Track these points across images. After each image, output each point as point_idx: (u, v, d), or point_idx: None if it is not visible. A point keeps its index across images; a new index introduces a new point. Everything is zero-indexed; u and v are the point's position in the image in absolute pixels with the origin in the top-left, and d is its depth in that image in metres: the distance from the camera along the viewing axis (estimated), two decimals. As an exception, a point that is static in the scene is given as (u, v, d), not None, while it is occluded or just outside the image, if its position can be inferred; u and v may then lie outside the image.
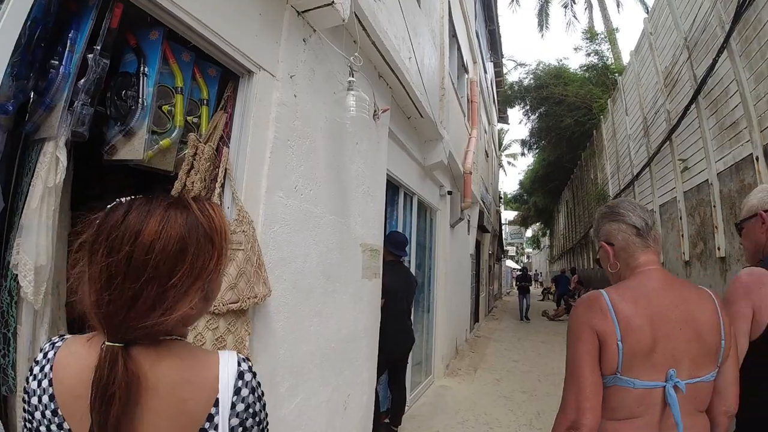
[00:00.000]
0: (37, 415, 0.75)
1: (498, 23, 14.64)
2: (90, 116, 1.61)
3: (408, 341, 4.07)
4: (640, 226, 1.39)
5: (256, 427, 0.81)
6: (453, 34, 7.04)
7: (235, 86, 2.08)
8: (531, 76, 15.21)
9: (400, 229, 4.54)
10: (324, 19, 2.40)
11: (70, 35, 1.55)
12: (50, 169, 1.47)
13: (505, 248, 30.09)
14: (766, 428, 1.41)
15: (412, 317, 4.44)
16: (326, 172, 2.59)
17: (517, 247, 44.88)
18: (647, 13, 7.55)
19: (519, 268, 34.32)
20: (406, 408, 4.36)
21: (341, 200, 2.80)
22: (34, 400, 0.75)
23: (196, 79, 2.04)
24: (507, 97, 16.56)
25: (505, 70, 18.02)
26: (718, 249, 4.76)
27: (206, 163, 1.82)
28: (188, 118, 1.99)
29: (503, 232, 26.99)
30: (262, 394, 0.85)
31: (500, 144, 26.29)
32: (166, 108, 1.90)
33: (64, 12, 1.53)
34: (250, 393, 0.80)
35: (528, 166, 27.24)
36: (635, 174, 8.33)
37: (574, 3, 18.74)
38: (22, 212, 1.45)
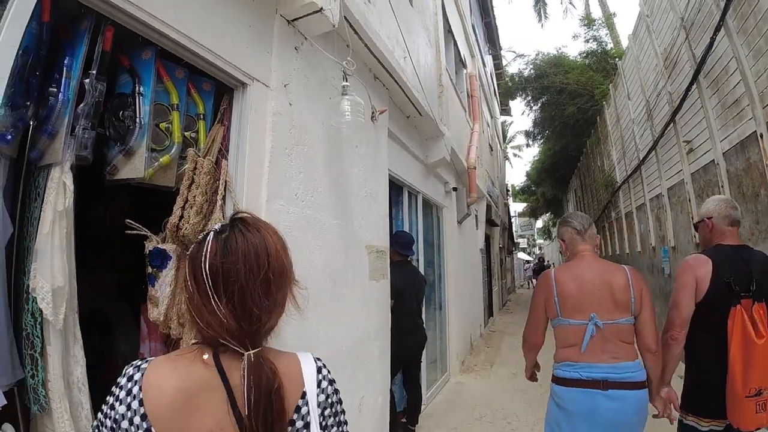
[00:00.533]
0: None
1: (494, 15, 14.58)
2: (92, 139, 1.65)
3: (420, 340, 4.08)
4: (579, 229, 2.26)
5: (333, 418, 0.92)
6: (448, 30, 7.03)
7: (230, 99, 2.11)
8: (531, 66, 15.10)
9: (406, 229, 4.55)
10: (314, 26, 2.41)
11: (65, 62, 1.59)
12: (58, 193, 1.52)
13: (516, 241, 29.95)
14: (701, 365, 2.10)
15: (423, 315, 4.44)
16: (327, 177, 2.61)
17: (528, 239, 44.61)
18: None
19: (533, 259, 34.12)
20: (423, 406, 4.36)
21: (343, 204, 2.82)
22: (125, 424, 0.78)
23: (191, 95, 2.06)
24: (508, 89, 16.47)
25: (504, 62, 17.98)
26: (729, 229, 4.72)
27: (206, 177, 1.85)
28: (186, 133, 2.02)
29: (513, 225, 26.88)
30: (335, 382, 0.96)
31: (505, 136, 26.17)
32: (163, 125, 1.93)
33: (56, 39, 1.56)
34: (328, 385, 0.93)
35: (534, 157, 27.10)
36: (641, 158, 8.25)
37: (570, -10, 18.66)
38: (35, 238, 1.49)
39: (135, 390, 0.79)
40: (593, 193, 14.60)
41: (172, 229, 1.77)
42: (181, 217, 1.78)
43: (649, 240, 8.12)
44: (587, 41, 14.47)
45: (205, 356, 0.83)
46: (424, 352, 4.33)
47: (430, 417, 4.54)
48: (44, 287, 1.45)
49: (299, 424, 0.86)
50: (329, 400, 0.92)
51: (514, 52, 31.54)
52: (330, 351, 2.54)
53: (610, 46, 14.14)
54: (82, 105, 1.60)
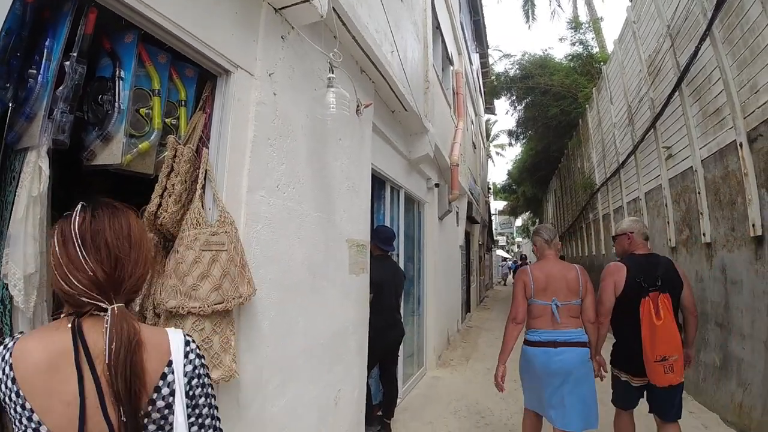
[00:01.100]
0: (7, 400, 0.85)
1: (483, 14, 14.66)
2: (70, 123, 1.60)
3: (398, 335, 4.10)
4: (547, 239, 3.10)
5: (201, 389, 0.99)
6: (437, 27, 7.04)
7: (213, 86, 2.07)
8: (517, 66, 15.21)
9: (387, 224, 4.56)
10: (302, 16, 2.39)
11: (46, 43, 1.54)
12: (33, 178, 1.48)
13: (495, 238, 30.28)
14: (627, 346, 2.90)
15: (402, 310, 4.47)
16: (309, 169, 2.60)
17: (507, 237, 45.14)
18: (630, 1, 7.57)
19: (511, 257, 34.51)
20: (399, 400, 4.40)
21: (325, 197, 2.81)
22: (6, 400, 0.85)
23: (173, 81, 2.02)
24: (494, 87, 16.58)
25: (491, 61, 18.07)
26: (704, 235, 4.83)
27: (186, 165, 1.82)
28: (167, 120, 1.98)
29: (493, 223, 27.15)
30: (203, 358, 1.03)
31: (488, 135, 26.36)
32: (143, 111, 1.89)
33: (39, 20, 1.51)
34: (196, 357, 1.00)
35: (516, 156, 27.38)
36: (621, 162, 8.40)
37: (558, -8, 18.83)
38: (9, 222, 1.45)
39: (7, 357, 0.86)
40: (572, 195, 14.84)
41: (149, 217, 1.74)
42: (159, 205, 1.75)
43: (624, 242, 8.30)
44: (573, 44, 14.66)
45: (68, 324, 0.89)
46: (401, 346, 4.36)
47: (405, 411, 4.58)
48: (16, 274, 1.41)
49: (165, 391, 0.92)
50: (197, 371, 0.99)
51: (501, 51, 31.76)
52: (308, 343, 2.54)
53: (595, 50, 14.34)
54: (61, 88, 1.55)
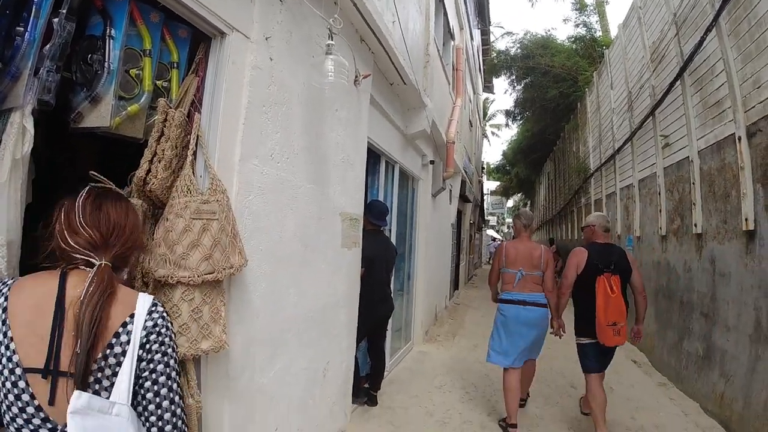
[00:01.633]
0: None
1: (486, -12, 14.31)
2: (56, 83, 1.52)
3: (388, 309, 4.12)
4: (525, 223, 3.89)
5: (158, 345, 1.08)
6: (439, -1, 6.85)
7: (207, 48, 1.98)
8: (518, 45, 14.93)
9: (381, 198, 4.52)
10: (302, -22, 2.29)
11: (35, 0, 1.45)
12: (18, 140, 1.40)
13: (486, 218, 30.41)
14: (582, 309, 3.51)
15: (392, 285, 4.48)
16: (304, 139, 2.53)
17: (498, 217, 45.37)
18: None
19: (502, 237, 34.73)
20: (386, 373, 4.46)
21: (320, 169, 2.75)
22: None
23: (165, 41, 1.93)
24: (493, 66, 16.33)
25: (492, 38, 17.75)
26: (695, 225, 4.86)
27: (177, 130, 1.75)
28: (158, 82, 1.89)
29: (485, 202, 27.22)
30: (171, 325, 1.15)
31: (485, 113, 26.12)
32: (133, 72, 1.81)
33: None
34: (159, 317, 1.10)
35: (512, 137, 27.24)
36: (617, 148, 8.37)
37: (565, -30, 18.36)
38: None
39: (5, 290, 1.01)
40: (566, 178, 14.86)
41: (138, 183, 1.68)
42: (149, 171, 1.69)
43: (615, 228, 8.36)
44: (577, 26, 14.41)
45: (58, 272, 1.05)
46: (390, 321, 4.39)
47: (392, 383, 4.64)
48: None
49: (123, 338, 1.03)
50: (157, 328, 1.08)
51: (503, 28, 31.22)
52: (298, 315, 2.53)
53: (599, 33, 14.11)
54: (48, 46, 1.47)
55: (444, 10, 7.31)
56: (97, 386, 0.99)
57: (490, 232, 35.87)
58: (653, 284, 6.18)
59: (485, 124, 25.32)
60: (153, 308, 1.10)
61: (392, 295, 4.37)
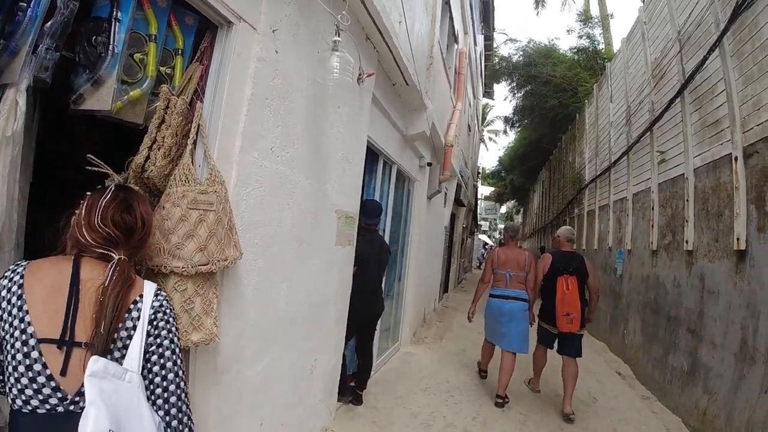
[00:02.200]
0: (5, 303, 1.05)
1: (492, -6, 14.33)
2: (54, 62, 1.50)
3: (378, 309, 4.11)
4: (512, 234, 4.96)
5: (164, 323, 1.20)
6: (446, 1, 6.84)
7: (213, 37, 1.97)
8: (521, 53, 14.95)
9: (377, 198, 4.51)
10: (312, -28, 2.27)
11: (40, -24, 1.43)
12: (9, 116, 1.38)
13: (479, 223, 30.50)
14: (548, 306, 4.45)
15: (383, 285, 4.47)
16: (305, 134, 2.52)
17: (490, 222, 45.48)
18: (642, 2, 7.45)
19: (494, 242, 34.82)
20: (372, 372, 4.44)
21: (319, 165, 2.74)
22: (4, 304, 1.05)
23: (171, 27, 1.91)
24: (495, 71, 16.34)
25: (495, 44, 17.77)
26: (686, 242, 4.89)
27: (178, 118, 1.73)
28: (161, 68, 1.87)
29: (478, 207, 27.29)
30: (172, 309, 1.27)
31: (484, 119, 26.21)
32: (138, 56, 1.79)
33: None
34: (164, 299, 1.23)
35: (509, 144, 27.29)
36: (613, 161, 8.42)
37: (572, -19, 18.40)
38: None
39: (20, 270, 1.09)
40: (560, 188, 14.92)
41: (136, 169, 1.66)
42: (147, 158, 1.67)
43: (606, 240, 8.41)
44: (580, 37, 14.43)
45: (71, 258, 1.14)
46: (379, 320, 4.38)
47: (378, 383, 4.63)
48: None
49: (134, 314, 1.14)
50: (163, 308, 1.21)
51: (506, 34, 30.99)
52: (289, 311, 2.51)
53: (601, 46, 14.16)
54: (50, 23, 1.44)
55: (450, 14, 7.32)
56: (108, 357, 1.06)
57: (483, 237, 35.99)
58: (641, 298, 6.21)
59: (483, 130, 25.40)
60: (158, 291, 1.23)
61: (383, 294, 4.36)
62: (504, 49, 17.63)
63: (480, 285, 4.88)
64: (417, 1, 4.60)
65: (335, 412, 3.63)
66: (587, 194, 10.71)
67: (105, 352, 1.05)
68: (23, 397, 1.00)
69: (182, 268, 1.54)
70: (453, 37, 8.08)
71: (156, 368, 1.14)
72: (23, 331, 1.02)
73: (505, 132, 25.11)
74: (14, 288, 1.06)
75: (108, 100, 1.67)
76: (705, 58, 4.67)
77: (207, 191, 1.65)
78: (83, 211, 1.19)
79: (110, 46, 1.68)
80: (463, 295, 14.08)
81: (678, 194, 5.36)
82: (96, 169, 1.78)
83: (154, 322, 1.17)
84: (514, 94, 16.25)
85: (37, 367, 1.01)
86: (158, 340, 1.16)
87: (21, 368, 1.00)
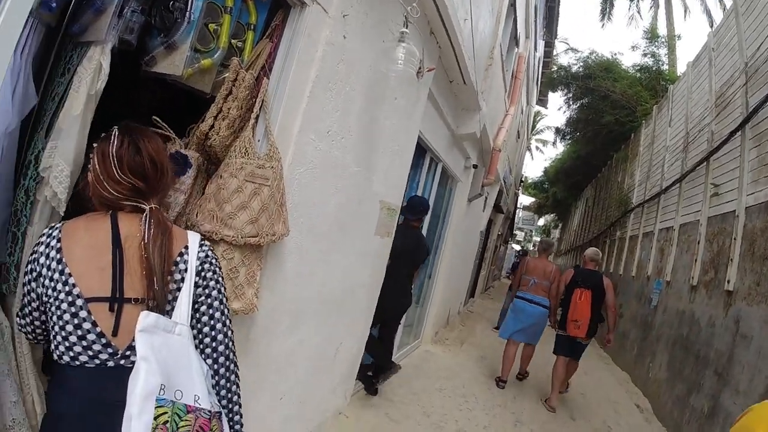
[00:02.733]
0: (45, 270, 1.04)
1: (559, 1, 13.93)
2: (140, 24, 1.56)
3: (406, 303, 4.10)
4: (544, 248, 6.13)
5: (211, 273, 1.18)
6: (512, 3, 6.70)
7: (285, 16, 2.00)
8: (581, 63, 14.48)
9: (419, 194, 4.49)
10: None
11: (122, -62, 1.48)
12: (95, 76, 1.44)
13: (514, 232, 29.95)
14: (562, 316, 5.04)
15: (415, 282, 4.46)
16: (360, 122, 2.53)
17: (526, 233, 44.63)
18: (711, 27, 7.10)
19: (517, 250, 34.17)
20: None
21: (369, 154, 2.75)
22: (44, 270, 1.04)
23: (246, 2, 1.95)
24: (551, 80, 15.90)
25: (555, 52, 17.30)
26: (728, 282, 4.65)
27: (245, 92, 1.77)
28: (233, 41, 1.92)
29: (516, 216, 26.79)
30: (217, 258, 1.24)
31: (533, 127, 25.62)
32: (212, 27, 1.84)
33: None
34: (208, 249, 1.21)
35: (556, 155, 26.58)
36: (664, 187, 8.07)
37: (642, -2, 17.68)
38: (54, 113, 1.42)
39: (55, 233, 1.07)
40: (604, 208, 14.44)
41: (200, 136, 1.72)
42: (212, 126, 1.72)
43: (645, 269, 8.09)
44: (645, 55, 13.82)
45: (107, 214, 1.11)
46: (404, 316, 4.38)
47: (395, 377, 4.65)
48: (64, 170, 1.39)
49: (181, 266, 1.12)
50: (209, 258, 1.19)
51: (567, 44, 30.09)
52: (323, 293, 2.55)
53: (665, 66, 13.55)
54: (134, -15, 1.50)
55: (515, 16, 7.16)
56: (164, 309, 1.07)
57: (516, 247, 35.35)
58: (673, 332, 5.97)
59: (531, 138, 24.84)
60: (202, 242, 1.20)
61: (412, 292, 4.35)
62: (563, 58, 17.08)
63: (513, 285, 6.27)
64: (484, 0, 4.52)
65: (350, 398, 3.67)
66: (632, 218, 10.32)
67: (164, 306, 1.06)
68: (71, 354, 1.01)
69: (232, 237, 1.59)
70: (514, 40, 7.91)
71: (205, 318, 1.15)
72: (68, 293, 1.01)
73: (554, 143, 24.52)
74: (52, 253, 1.04)
75: (180, 66, 1.72)
76: (770, 95, 4.40)
77: (264, 166, 1.69)
78: (97, 165, 1.11)
79: (187, 13, 1.72)
80: (489, 302, 13.90)
81: (726, 231, 5.09)
82: (159, 131, 1.86)
83: (202, 273, 1.16)
84: (569, 105, 15.78)
85: (87, 325, 1.01)
86: (206, 291, 1.16)
87: (69, 327, 1.01)
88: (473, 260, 10.09)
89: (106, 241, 1.06)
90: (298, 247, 2.15)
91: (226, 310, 1.19)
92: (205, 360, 1.13)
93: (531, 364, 5.74)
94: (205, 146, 1.75)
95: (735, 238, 4.74)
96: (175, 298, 1.10)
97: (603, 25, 18.97)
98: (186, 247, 1.15)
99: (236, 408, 1.19)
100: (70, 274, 1.02)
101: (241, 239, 1.60)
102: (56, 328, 1.02)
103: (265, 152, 1.76)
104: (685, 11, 17.39)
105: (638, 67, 13.82)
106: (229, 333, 1.19)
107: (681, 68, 9.92)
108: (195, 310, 1.13)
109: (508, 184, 12.69)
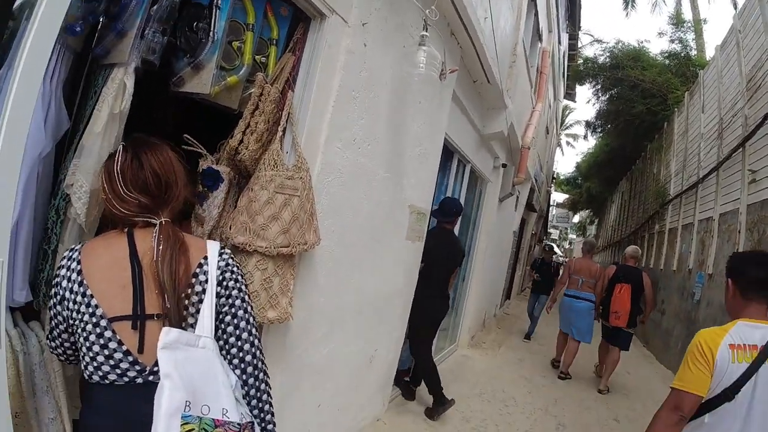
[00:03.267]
0: (67, 293, 1.05)
1: (581, -8, 13.64)
2: (161, 45, 1.60)
3: (444, 308, 4.03)
4: (587, 249, 6.45)
5: (234, 282, 1.16)
6: (533, -2, 6.61)
7: (305, 28, 2.03)
8: (607, 54, 14.07)
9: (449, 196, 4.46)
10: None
11: (145, -39, 1.53)
12: (117, 95, 1.48)
13: (549, 230, 29.33)
14: (604, 308, 5.65)
15: (452, 286, 4.40)
16: (385, 128, 2.54)
17: (561, 231, 43.61)
18: (735, 9, 6.81)
19: (563, 252, 33.32)
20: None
21: (396, 159, 2.76)
22: (67, 294, 1.05)
23: (267, 18, 1.99)
24: (578, 73, 15.54)
25: (580, 45, 16.92)
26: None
27: (271, 105, 1.81)
28: (256, 57, 1.97)
29: (550, 214, 26.24)
30: (239, 266, 1.21)
31: (562, 122, 25.09)
32: (235, 44, 1.89)
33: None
34: (229, 258, 1.18)
35: (588, 149, 25.95)
36: (701, 176, 7.74)
37: (665, -16, 17.08)
38: (82, 134, 1.46)
39: (75, 255, 1.07)
40: (641, 201, 13.95)
41: (230, 151, 1.76)
42: (241, 141, 1.76)
43: (687, 262, 7.76)
44: (672, 41, 13.33)
45: (123, 231, 1.10)
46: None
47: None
48: (83, 186, 1.42)
49: (201, 278, 1.10)
50: (229, 267, 1.16)
51: (592, 35, 29.43)
52: (357, 300, 2.56)
53: (693, 52, 13.04)
54: (155, 7, 1.54)
55: (535, 11, 7.06)
56: (182, 324, 1.05)
57: (549, 246, 34.54)
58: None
59: (561, 133, 24.33)
60: (222, 251, 1.18)
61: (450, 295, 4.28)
62: (589, 50, 16.70)
63: (558, 285, 6.57)
64: (505, -3, 4.48)
65: (387, 404, 3.66)
66: (670, 210, 9.94)
67: (180, 322, 1.05)
68: (101, 373, 1.01)
69: (265, 248, 1.62)
70: (537, 35, 7.80)
71: (230, 328, 1.13)
72: (92, 315, 1.01)
73: (585, 137, 23.95)
74: (73, 276, 1.04)
75: (207, 84, 1.77)
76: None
77: (293, 177, 1.72)
78: (104, 184, 1.11)
79: (211, 33, 1.76)
80: (526, 303, 13.60)
81: (766, 218, 4.83)
82: (190, 148, 1.92)
83: (223, 283, 1.13)
84: (598, 97, 15.35)
85: (113, 345, 1.01)
86: (230, 300, 1.14)
87: (96, 347, 1.01)
88: (507, 261, 9.93)
89: (124, 258, 1.06)
90: (330, 254, 2.16)
91: (251, 318, 1.17)
92: (233, 370, 1.12)
93: (575, 365, 5.87)
94: (235, 161, 1.79)
95: (774, 226, 4.50)
96: (198, 310, 1.08)
97: (627, 14, 18.43)
98: (205, 258, 1.13)
99: (268, 417, 1.18)
100: (92, 296, 1.02)
101: (273, 249, 1.63)
102: (84, 348, 1.03)
103: (294, 163, 1.79)
104: (711, -6, 16.74)
105: (666, 54, 13.36)
106: (256, 341, 1.17)
107: (710, 52, 9.51)
108: (219, 321, 1.12)
109: (539, 182, 12.45)
